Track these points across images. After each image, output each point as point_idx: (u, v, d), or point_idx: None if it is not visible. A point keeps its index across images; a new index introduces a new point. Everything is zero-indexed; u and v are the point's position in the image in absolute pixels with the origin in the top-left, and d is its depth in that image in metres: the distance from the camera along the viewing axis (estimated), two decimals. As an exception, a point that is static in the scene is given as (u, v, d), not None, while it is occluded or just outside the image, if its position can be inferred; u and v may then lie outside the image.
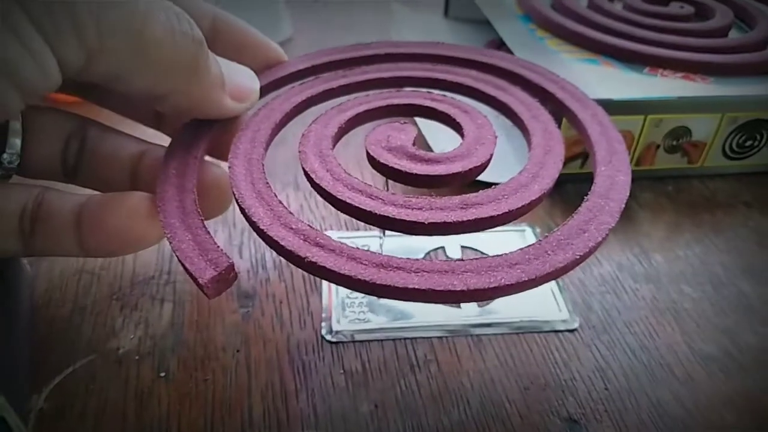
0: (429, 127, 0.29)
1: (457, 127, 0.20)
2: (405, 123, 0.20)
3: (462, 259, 0.16)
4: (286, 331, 0.22)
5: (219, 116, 0.20)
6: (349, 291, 0.24)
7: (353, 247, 0.16)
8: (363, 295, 0.23)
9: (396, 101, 0.21)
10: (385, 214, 0.17)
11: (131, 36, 0.15)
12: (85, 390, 0.19)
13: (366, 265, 0.16)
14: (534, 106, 0.21)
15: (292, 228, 0.17)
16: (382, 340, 0.22)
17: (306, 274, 0.24)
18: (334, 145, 0.20)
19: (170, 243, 0.17)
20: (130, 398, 0.19)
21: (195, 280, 0.16)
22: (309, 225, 0.17)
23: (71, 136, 0.20)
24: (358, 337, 0.22)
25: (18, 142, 0.19)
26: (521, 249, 0.16)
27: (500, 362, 0.21)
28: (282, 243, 0.16)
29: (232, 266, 0.16)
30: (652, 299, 0.24)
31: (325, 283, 0.24)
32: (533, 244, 0.16)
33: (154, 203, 0.18)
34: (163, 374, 0.20)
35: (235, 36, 0.21)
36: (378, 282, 0.15)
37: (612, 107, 0.27)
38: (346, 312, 0.23)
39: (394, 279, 0.15)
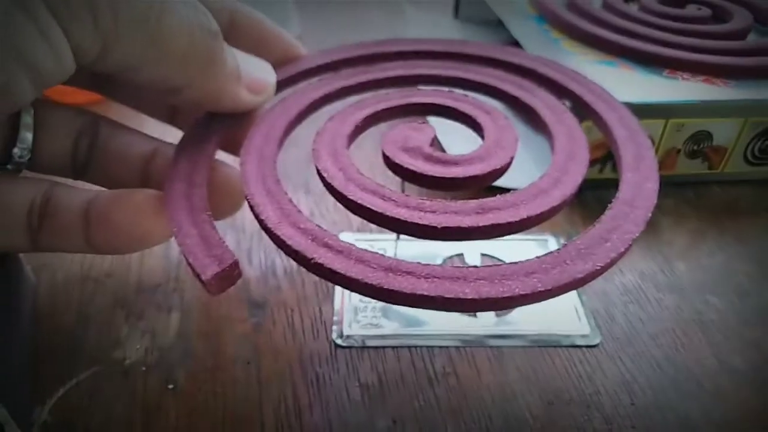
0: (443, 129, 0.29)
1: (477, 128, 0.20)
2: (423, 123, 0.19)
3: (475, 266, 0.15)
4: (299, 341, 0.21)
5: (234, 110, 0.19)
6: (362, 294, 0.23)
7: (362, 249, 0.15)
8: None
9: (415, 100, 0.20)
10: (397, 217, 0.16)
11: (147, 25, 0.15)
12: (89, 403, 0.19)
13: (374, 268, 0.15)
14: (559, 108, 0.20)
15: (300, 228, 0.16)
16: (395, 348, 0.21)
17: (318, 281, 0.23)
18: (349, 144, 0.19)
19: (175, 237, 0.16)
20: (137, 412, 0.18)
21: (198, 276, 0.15)
22: (318, 225, 0.16)
23: (82, 133, 0.20)
24: (369, 342, 0.21)
25: (30, 136, 0.19)
26: (538, 257, 0.15)
27: (522, 375, 0.20)
28: (289, 242, 0.16)
29: (236, 263, 0.15)
30: (677, 309, 0.23)
31: (337, 287, 0.23)
32: (551, 253, 0.15)
33: (162, 200, 0.18)
34: (171, 387, 0.19)
35: (254, 29, 0.21)
36: (385, 286, 0.14)
37: (632, 111, 0.26)
38: (358, 317, 0.22)
39: (402, 284, 0.14)
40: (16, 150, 0.18)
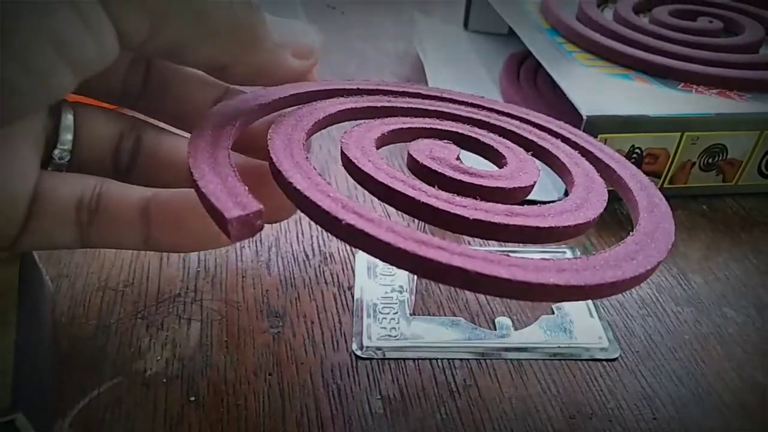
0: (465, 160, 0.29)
1: (499, 158, 0.20)
2: (447, 143, 0.19)
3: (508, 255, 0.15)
4: (319, 353, 0.21)
5: (285, 79, 0.19)
6: (382, 305, 0.23)
7: (394, 222, 0.15)
8: (395, 310, 0.23)
9: (440, 126, 0.21)
10: (429, 203, 0.16)
11: (193, 3, 0.15)
12: (111, 415, 0.19)
13: (406, 239, 0.14)
14: (575, 155, 0.21)
15: (330, 195, 0.15)
16: (416, 360, 0.21)
17: (337, 292, 0.23)
18: (377, 147, 0.19)
19: (197, 183, 0.15)
20: (159, 424, 0.18)
21: (220, 216, 0.14)
22: (347, 197, 0.16)
23: (123, 135, 0.20)
24: (389, 354, 0.21)
25: (70, 137, 0.19)
26: (568, 259, 0.15)
27: (543, 389, 0.20)
28: (319, 203, 0.15)
29: (261, 212, 0.15)
30: (695, 323, 0.23)
31: (356, 298, 0.23)
32: (580, 257, 0.15)
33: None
34: (193, 398, 0.19)
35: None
36: (419, 253, 0.14)
37: (649, 124, 0.27)
38: (377, 328, 0.22)
39: (437, 254, 0.14)
40: (56, 152, 0.18)
